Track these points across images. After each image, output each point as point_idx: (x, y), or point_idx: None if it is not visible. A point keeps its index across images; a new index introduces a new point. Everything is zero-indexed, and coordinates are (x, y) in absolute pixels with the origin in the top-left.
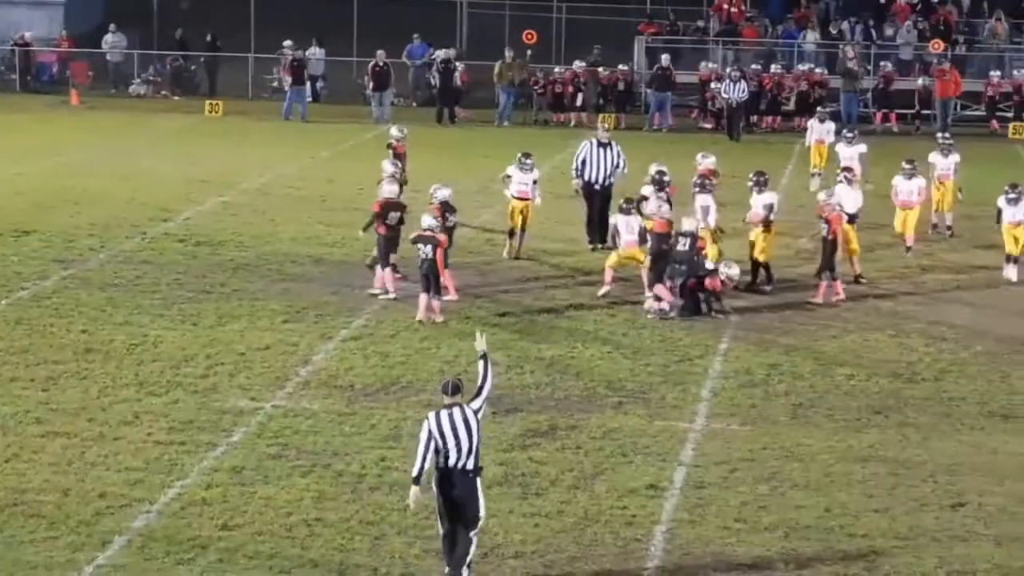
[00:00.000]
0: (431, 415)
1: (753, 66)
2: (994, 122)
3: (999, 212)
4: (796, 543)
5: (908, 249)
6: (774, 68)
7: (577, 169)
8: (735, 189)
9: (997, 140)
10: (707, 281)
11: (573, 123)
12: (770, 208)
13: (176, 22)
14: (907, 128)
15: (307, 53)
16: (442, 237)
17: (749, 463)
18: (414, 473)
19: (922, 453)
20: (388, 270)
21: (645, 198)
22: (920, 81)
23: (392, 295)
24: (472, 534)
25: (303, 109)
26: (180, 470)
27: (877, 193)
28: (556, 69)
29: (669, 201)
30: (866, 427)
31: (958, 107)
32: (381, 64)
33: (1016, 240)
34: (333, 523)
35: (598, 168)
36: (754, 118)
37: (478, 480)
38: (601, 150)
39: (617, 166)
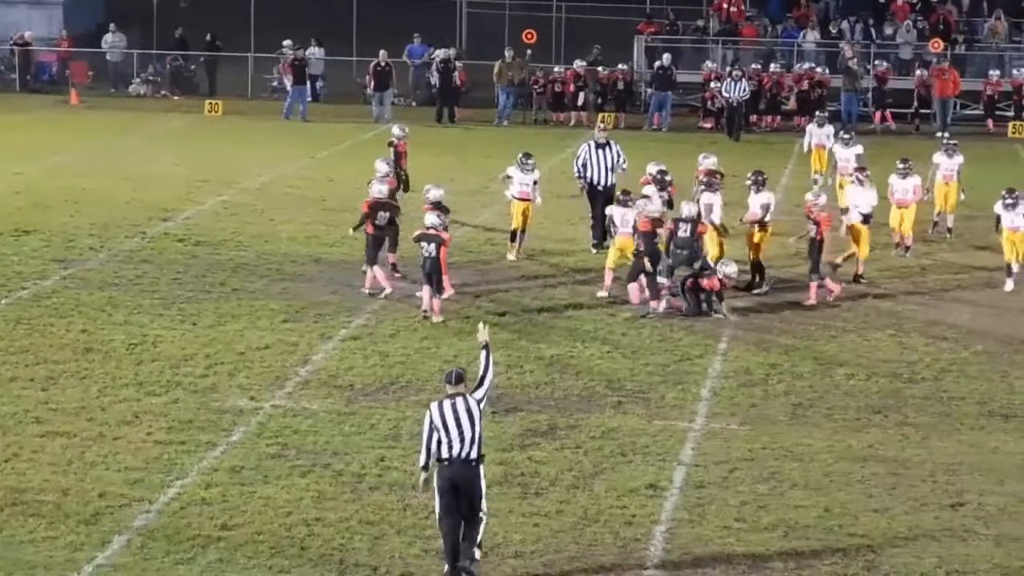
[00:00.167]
0: (433, 405)
1: (753, 66)
2: (990, 122)
3: (997, 219)
4: (796, 543)
5: (907, 249)
6: (773, 67)
7: (579, 171)
8: (734, 189)
9: (997, 140)
10: (705, 281)
11: (573, 123)
12: (767, 208)
13: (176, 22)
14: (907, 128)
15: (307, 53)
16: (446, 235)
17: (749, 463)
18: (421, 462)
19: (922, 453)
20: (378, 268)
21: (647, 198)
22: (918, 73)
23: (388, 291)
24: (479, 526)
25: (303, 109)
26: (180, 470)
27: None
28: (556, 69)
29: (671, 201)
30: (866, 427)
31: (958, 107)
32: (383, 64)
33: (1014, 247)
34: (333, 523)
35: (598, 169)
36: (753, 118)
37: (481, 469)
38: (600, 151)
39: (613, 168)
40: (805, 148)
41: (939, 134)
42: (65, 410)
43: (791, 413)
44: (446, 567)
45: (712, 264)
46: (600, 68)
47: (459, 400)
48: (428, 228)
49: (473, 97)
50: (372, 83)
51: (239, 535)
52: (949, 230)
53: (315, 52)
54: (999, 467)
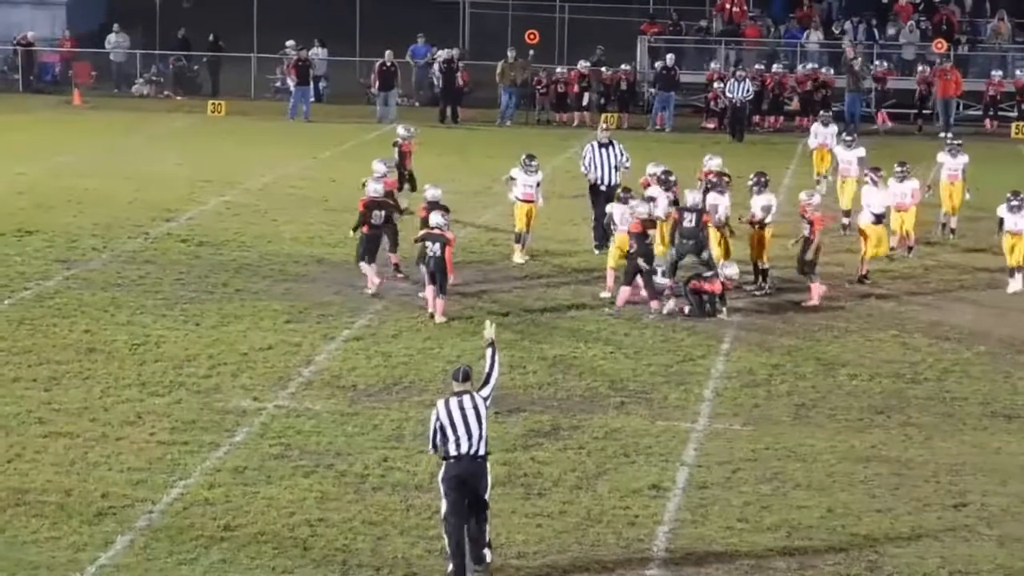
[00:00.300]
0: (440, 402)
1: (756, 66)
2: (987, 122)
3: (1000, 222)
4: (798, 543)
5: (910, 249)
6: (776, 67)
7: (586, 168)
8: (738, 190)
9: (1000, 140)
10: (706, 284)
11: (576, 123)
12: (767, 210)
13: (179, 22)
14: (909, 128)
15: (310, 53)
16: (451, 235)
17: (751, 463)
18: (429, 448)
19: (925, 453)
20: (364, 265)
21: (652, 199)
22: (920, 69)
23: (371, 290)
24: (485, 523)
25: (306, 109)
26: (183, 470)
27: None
28: (558, 69)
29: (676, 201)
30: (869, 427)
31: (960, 107)
32: (388, 64)
33: (1014, 250)
34: (336, 523)
35: (602, 169)
36: (756, 118)
37: (487, 465)
38: (603, 151)
39: (617, 167)
40: (810, 147)
41: (942, 134)
42: (68, 410)
43: (794, 413)
44: (450, 567)
45: (715, 266)
46: (603, 68)
47: (466, 398)
48: (433, 228)
49: (476, 97)
50: (377, 83)
51: (242, 535)
52: (952, 231)
53: (318, 52)
54: (1002, 468)
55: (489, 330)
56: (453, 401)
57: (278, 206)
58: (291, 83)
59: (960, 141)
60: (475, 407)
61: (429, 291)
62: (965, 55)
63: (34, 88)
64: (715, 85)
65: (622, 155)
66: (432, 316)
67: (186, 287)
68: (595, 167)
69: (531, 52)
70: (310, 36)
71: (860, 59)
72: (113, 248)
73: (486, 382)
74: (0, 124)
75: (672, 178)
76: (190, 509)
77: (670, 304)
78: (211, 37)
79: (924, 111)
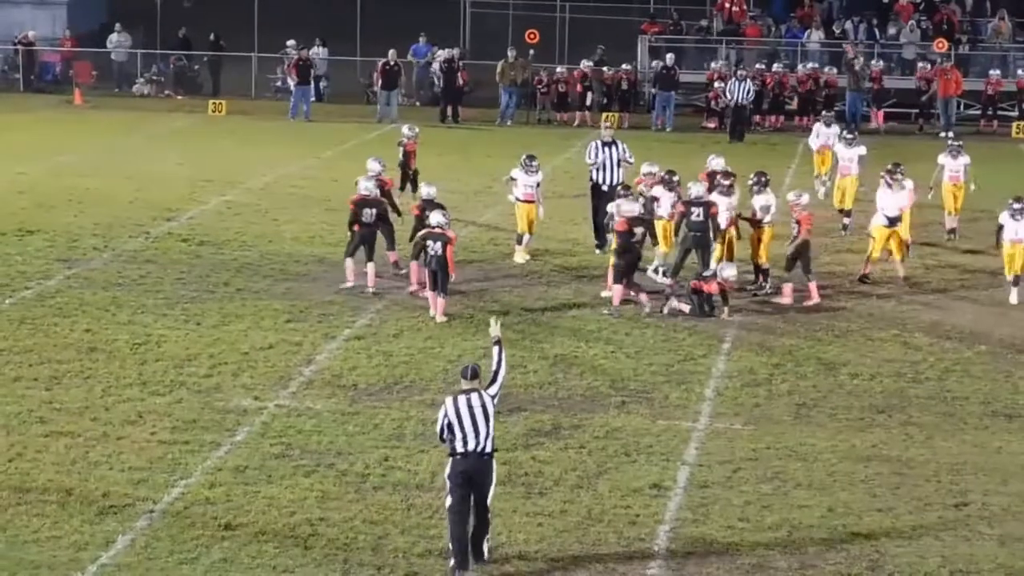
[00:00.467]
0: (448, 400)
1: (757, 66)
2: (983, 121)
3: (1000, 228)
4: (799, 542)
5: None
6: (776, 67)
7: (591, 161)
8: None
9: (1001, 140)
10: (704, 285)
11: (577, 123)
12: (767, 210)
13: (179, 21)
14: (910, 128)
15: (310, 52)
16: (452, 233)
17: (752, 462)
18: (439, 441)
19: (926, 453)
20: (350, 261)
21: (656, 199)
22: (920, 65)
23: (349, 284)
24: (488, 518)
25: (307, 109)
26: (184, 469)
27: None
28: (558, 69)
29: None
30: (869, 426)
31: (961, 106)
32: (392, 63)
33: (1013, 260)
34: (336, 523)
35: (605, 169)
36: (757, 118)
37: (493, 462)
38: (606, 149)
39: (621, 165)
40: (812, 147)
41: (942, 134)
42: (69, 410)
43: (795, 413)
44: (451, 561)
45: (713, 268)
46: (605, 68)
47: (474, 395)
48: (435, 227)
49: (477, 97)
50: (380, 82)
51: (243, 535)
52: (953, 230)
53: (319, 52)
54: (1003, 467)
55: (495, 327)
56: (461, 398)
57: (279, 206)
58: (291, 83)
59: (961, 143)
60: (483, 405)
61: (430, 293)
62: (966, 55)
63: (35, 88)
64: (716, 85)
65: (625, 152)
66: (434, 318)
67: (187, 286)
68: (598, 167)
69: (531, 52)
70: (311, 36)
71: (861, 59)
72: (114, 247)
73: (493, 380)
74: (1, 123)
75: (676, 178)
76: (191, 508)
77: (671, 304)
78: (212, 36)
79: (931, 111)
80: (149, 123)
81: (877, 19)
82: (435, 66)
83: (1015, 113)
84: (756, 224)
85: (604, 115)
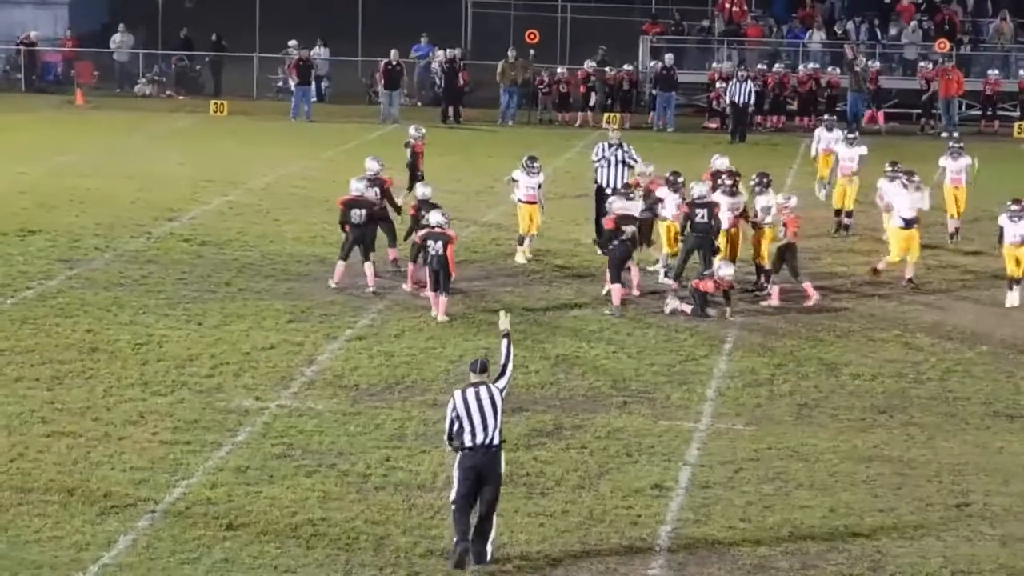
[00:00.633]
0: (457, 393)
1: (759, 66)
2: (983, 122)
3: (1001, 231)
4: (801, 543)
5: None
6: (777, 67)
7: (596, 162)
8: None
9: (1003, 140)
10: (699, 283)
11: (579, 123)
12: (768, 211)
13: (181, 22)
14: (911, 128)
15: (312, 53)
16: (452, 232)
17: (754, 463)
18: (445, 438)
19: (927, 453)
20: (341, 263)
21: (661, 200)
22: (921, 65)
23: (334, 284)
24: (493, 515)
25: (308, 109)
26: (185, 470)
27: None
28: (559, 69)
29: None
30: (871, 427)
31: (963, 107)
32: (394, 63)
33: (1018, 262)
34: (338, 523)
35: (609, 171)
36: (758, 118)
37: (501, 455)
38: (613, 151)
39: (628, 164)
40: (813, 152)
41: (944, 134)
42: (71, 410)
43: (796, 413)
44: (455, 539)
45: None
46: (607, 68)
47: (482, 389)
48: (435, 226)
49: (478, 97)
50: (383, 82)
51: (245, 535)
52: (957, 230)
53: (320, 52)
54: (1004, 467)
55: (504, 321)
56: (470, 392)
57: (280, 206)
58: (292, 83)
59: (962, 144)
60: (491, 398)
61: (431, 293)
62: (967, 55)
63: (36, 88)
64: (717, 85)
65: (631, 152)
66: (437, 319)
67: (188, 287)
68: (603, 168)
69: (532, 52)
70: (312, 36)
71: (862, 59)
72: (116, 248)
73: (502, 373)
74: (2, 124)
75: (680, 179)
76: (192, 508)
77: (672, 304)
78: (213, 37)
79: (932, 110)
80: (151, 123)
81: (879, 19)
82: (434, 65)
83: (1016, 113)
84: (757, 225)
85: (606, 116)
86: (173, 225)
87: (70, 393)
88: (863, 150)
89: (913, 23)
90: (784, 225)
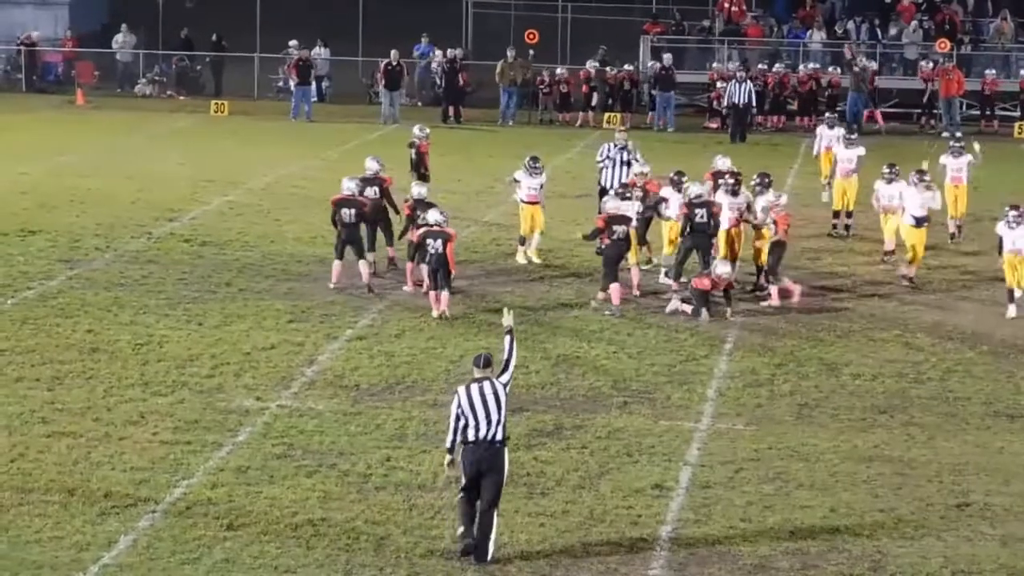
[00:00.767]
0: (461, 389)
1: (760, 66)
2: (983, 121)
3: (1000, 241)
4: (801, 543)
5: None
6: (777, 67)
7: (601, 163)
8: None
9: (1003, 140)
10: (697, 282)
11: (579, 123)
12: (767, 211)
13: (181, 22)
14: (911, 127)
15: (312, 53)
16: (452, 231)
17: (754, 463)
18: (447, 444)
19: (928, 453)
20: (337, 263)
21: (664, 199)
22: (921, 64)
23: (332, 284)
24: (494, 510)
25: (308, 109)
26: (186, 470)
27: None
28: (558, 70)
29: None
30: (871, 427)
31: (963, 107)
32: (395, 63)
33: (1015, 271)
34: (338, 523)
35: (614, 172)
36: (759, 118)
37: (505, 451)
38: (618, 152)
39: (630, 164)
40: (815, 151)
41: (945, 134)
42: (71, 410)
43: (797, 413)
44: (460, 529)
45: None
46: (609, 68)
47: (486, 384)
48: (433, 224)
49: (479, 97)
50: (383, 82)
51: (245, 535)
52: (959, 228)
53: (321, 52)
54: (1005, 467)
55: (507, 317)
56: (474, 387)
57: (281, 206)
58: (292, 83)
59: (963, 144)
60: (495, 393)
61: (432, 293)
62: (968, 55)
63: (37, 88)
64: (718, 85)
65: (635, 152)
66: (444, 318)
67: (189, 287)
68: (608, 168)
69: (531, 52)
70: (313, 36)
71: (862, 60)
72: (116, 248)
73: (505, 368)
74: (3, 124)
75: (684, 179)
76: (193, 509)
77: (674, 304)
78: (214, 37)
79: (933, 110)
80: (151, 123)
81: (879, 19)
82: (434, 65)
83: (1017, 113)
84: (758, 226)
85: (606, 116)
86: (173, 225)
87: (70, 393)
88: (861, 151)
89: (913, 23)
90: (774, 223)
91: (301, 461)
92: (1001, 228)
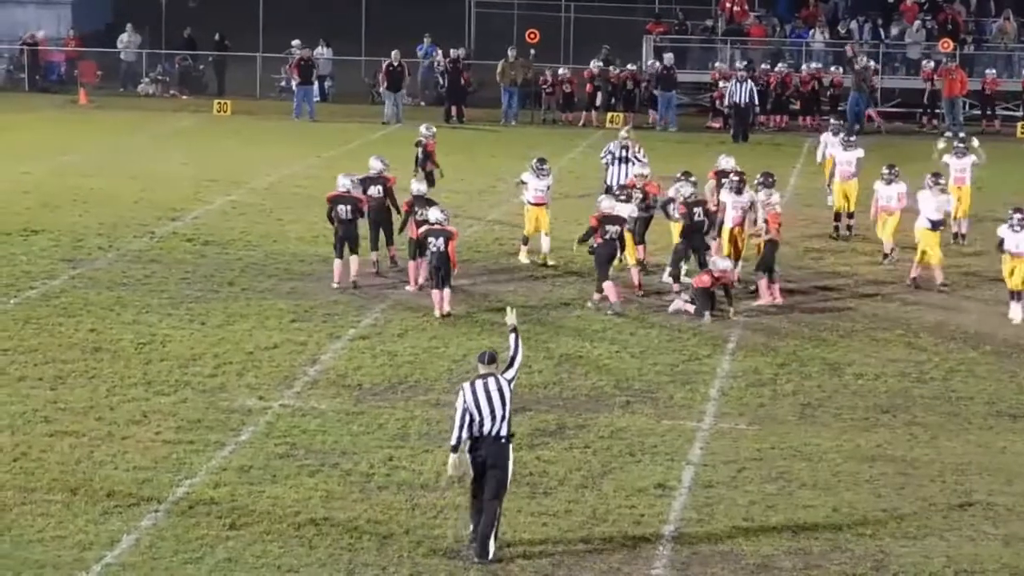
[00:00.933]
0: (466, 385)
1: (763, 66)
2: (984, 121)
3: (1000, 242)
4: (804, 542)
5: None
6: (780, 67)
7: (605, 162)
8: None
9: (1005, 140)
10: (697, 281)
11: (582, 123)
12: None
13: (184, 21)
14: (913, 128)
15: (315, 53)
16: (453, 229)
17: (757, 462)
18: (452, 442)
19: (930, 452)
20: (338, 262)
21: (671, 200)
22: (923, 63)
23: (336, 284)
24: (497, 504)
25: (311, 108)
26: (188, 469)
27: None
28: (560, 70)
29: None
30: (874, 426)
31: (966, 106)
32: (396, 64)
33: (1014, 273)
34: (341, 522)
35: (618, 173)
36: (761, 118)
37: (510, 446)
38: (623, 152)
39: (632, 162)
40: (819, 158)
41: (947, 133)
42: (74, 409)
43: (799, 413)
44: (470, 527)
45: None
46: (612, 68)
47: (490, 380)
48: (434, 223)
49: (482, 97)
50: (384, 83)
51: (248, 534)
52: (963, 236)
53: (323, 52)
54: (1008, 467)
55: (511, 316)
56: (479, 383)
57: (283, 205)
58: (293, 83)
59: (966, 143)
60: (499, 388)
61: (435, 292)
62: (971, 54)
63: (40, 87)
64: (721, 84)
65: (638, 152)
66: (447, 315)
67: (192, 286)
68: (612, 169)
69: (532, 52)
70: (315, 36)
71: (863, 59)
72: (119, 247)
73: (510, 365)
74: (6, 123)
75: (692, 178)
76: (195, 508)
77: (676, 304)
78: (217, 36)
79: (935, 110)
80: (154, 123)
81: (882, 19)
82: (434, 65)
83: (1019, 113)
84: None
85: (609, 115)
86: (176, 225)
87: (73, 392)
88: (860, 153)
89: (916, 23)
90: (765, 221)
91: (304, 460)
92: (1004, 231)
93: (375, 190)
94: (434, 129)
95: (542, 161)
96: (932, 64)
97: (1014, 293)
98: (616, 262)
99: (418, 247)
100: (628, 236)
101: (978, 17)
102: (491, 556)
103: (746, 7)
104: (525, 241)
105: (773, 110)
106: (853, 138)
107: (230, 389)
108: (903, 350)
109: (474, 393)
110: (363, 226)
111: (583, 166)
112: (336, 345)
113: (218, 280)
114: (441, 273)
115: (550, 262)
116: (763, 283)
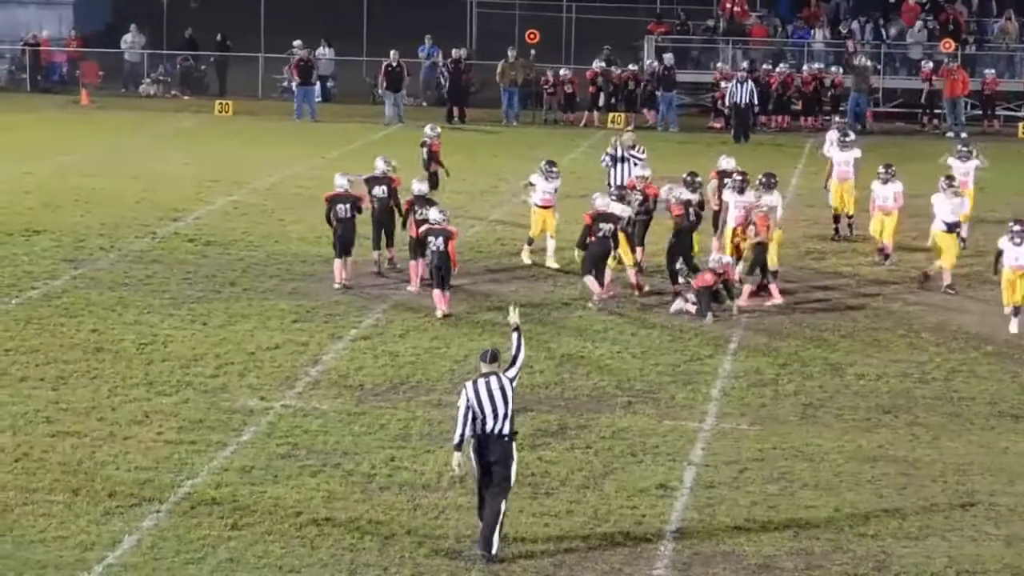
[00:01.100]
0: (468, 384)
1: (764, 66)
2: (986, 121)
3: (999, 254)
4: (806, 543)
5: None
6: (781, 67)
7: (606, 165)
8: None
9: (1006, 140)
10: (698, 279)
11: (584, 123)
12: (773, 211)
13: (186, 22)
14: (914, 128)
15: (316, 53)
16: (453, 228)
17: (759, 463)
18: (455, 441)
19: (932, 453)
20: (338, 262)
21: (666, 201)
22: (923, 64)
23: (337, 284)
24: (501, 499)
25: (312, 109)
26: (190, 469)
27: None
28: (562, 70)
29: (702, 203)
30: (876, 427)
31: (968, 106)
32: (395, 64)
33: (1014, 288)
34: (343, 523)
35: (620, 173)
36: (763, 118)
37: (513, 444)
38: (624, 152)
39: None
40: (825, 155)
41: (949, 134)
42: (75, 410)
43: (801, 413)
44: (479, 525)
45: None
46: (613, 68)
47: (493, 378)
48: (434, 223)
49: (483, 97)
50: (384, 84)
51: (249, 535)
52: (963, 239)
53: (325, 52)
54: (1009, 467)
55: (513, 315)
56: (481, 381)
57: (285, 206)
58: (294, 83)
59: (970, 148)
60: (501, 387)
61: (436, 291)
62: (972, 55)
63: (41, 88)
64: (722, 85)
65: (639, 151)
66: (448, 316)
67: (193, 286)
68: (614, 169)
69: (532, 52)
70: (317, 36)
71: (863, 59)
72: (120, 247)
73: (513, 363)
74: (7, 123)
75: (698, 179)
76: (197, 508)
77: (677, 304)
78: (218, 37)
79: (935, 111)
80: (155, 123)
81: (883, 19)
82: (434, 64)
83: (1021, 113)
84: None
85: (611, 115)
86: (178, 225)
87: (75, 393)
88: (857, 153)
89: (918, 23)
90: (753, 223)
91: (305, 461)
92: (1004, 243)
93: (380, 190)
94: (439, 129)
95: (552, 163)
96: (931, 65)
97: (1014, 308)
98: (612, 261)
99: (418, 246)
100: (622, 235)
101: (979, 17)
102: (495, 551)
103: (747, 7)
104: (529, 242)
105: (775, 110)
106: (850, 138)
107: (232, 389)
108: (905, 350)
109: (476, 391)
110: (365, 226)
111: (585, 166)
112: (338, 345)
113: (220, 280)
114: (441, 273)
115: (554, 265)
116: (749, 288)
